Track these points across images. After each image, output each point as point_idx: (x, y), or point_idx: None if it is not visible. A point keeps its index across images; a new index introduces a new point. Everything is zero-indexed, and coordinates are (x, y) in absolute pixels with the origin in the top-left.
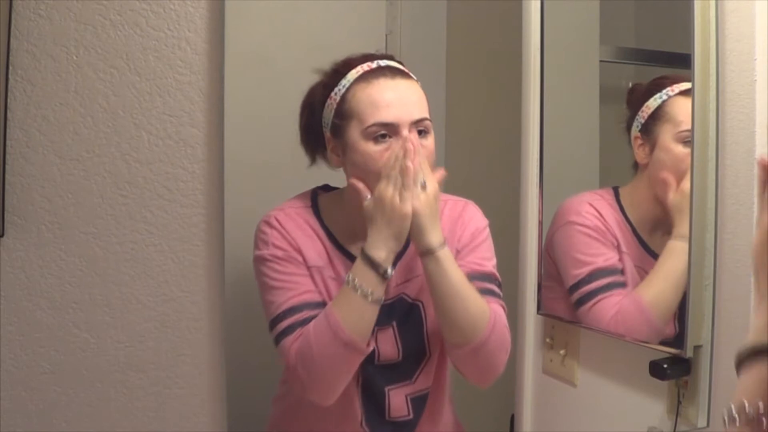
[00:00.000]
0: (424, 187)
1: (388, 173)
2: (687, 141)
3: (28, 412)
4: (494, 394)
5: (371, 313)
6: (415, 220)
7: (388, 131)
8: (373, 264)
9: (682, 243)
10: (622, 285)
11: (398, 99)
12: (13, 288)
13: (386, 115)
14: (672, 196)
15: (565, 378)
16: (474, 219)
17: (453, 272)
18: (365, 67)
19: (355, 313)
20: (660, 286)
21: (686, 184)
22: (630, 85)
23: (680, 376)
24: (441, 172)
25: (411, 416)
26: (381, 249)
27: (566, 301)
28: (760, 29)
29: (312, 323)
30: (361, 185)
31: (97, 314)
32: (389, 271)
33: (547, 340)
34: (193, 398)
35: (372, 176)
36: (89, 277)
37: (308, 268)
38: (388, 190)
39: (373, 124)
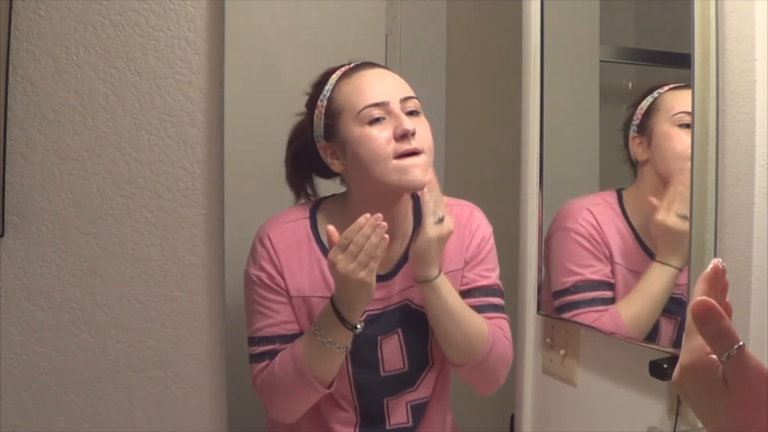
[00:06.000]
0: (441, 221)
1: (344, 243)
2: (683, 124)
3: (28, 412)
4: (494, 394)
5: (339, 359)
6: (422, 250)
7: (380, 112)
8: (342, 320)
9: (662, 266)
10: (606, 301)
11: (382, 82)
12: (13, 288)
13: (375, 96)
14: (653, 222)
15: (565, 378)
16: (481, 226)
17: (449, 299)
18: (344, 68)
19: (321, 360)
20: (639, 304)
21: (660, 215)
22: (629, 85)
23: None
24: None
25: (410, 423)
26: (350, 310)
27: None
28: (760, 29)
29: (278, 357)
30: (333, 232)
31: (97, 314)
32: (359, 326)
33: (547, 340)
34: (193, 398)
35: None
36: (89, 277)
37: (290, 298)
38: (339, 260)
39: (365, 107)
